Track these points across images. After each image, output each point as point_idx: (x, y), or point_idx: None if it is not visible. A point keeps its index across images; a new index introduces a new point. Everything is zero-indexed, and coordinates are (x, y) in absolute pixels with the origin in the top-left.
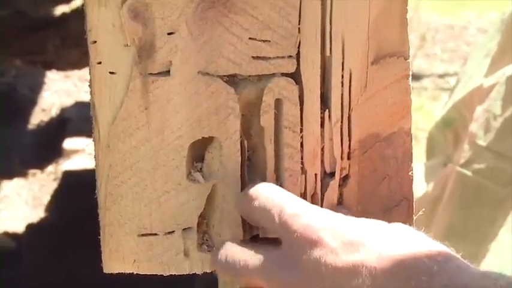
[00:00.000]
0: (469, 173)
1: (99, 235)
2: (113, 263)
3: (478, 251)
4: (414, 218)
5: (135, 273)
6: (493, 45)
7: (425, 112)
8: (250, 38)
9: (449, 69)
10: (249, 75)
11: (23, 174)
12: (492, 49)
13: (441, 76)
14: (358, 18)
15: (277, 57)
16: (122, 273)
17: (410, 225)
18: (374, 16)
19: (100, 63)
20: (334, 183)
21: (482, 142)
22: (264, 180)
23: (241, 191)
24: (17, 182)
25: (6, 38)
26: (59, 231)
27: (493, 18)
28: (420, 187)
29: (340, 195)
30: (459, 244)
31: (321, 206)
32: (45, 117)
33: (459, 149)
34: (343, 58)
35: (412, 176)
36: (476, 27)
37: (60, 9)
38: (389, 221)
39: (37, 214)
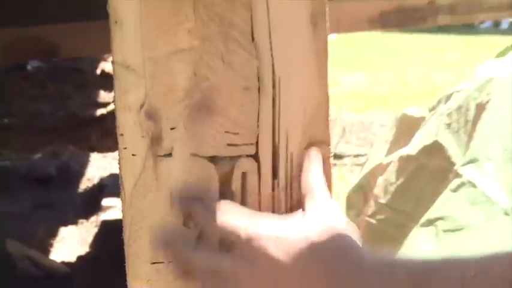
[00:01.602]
0: (374, 221)
1: (125, 263)
2: (134, 282)
3: None
4: None
5: None
6: (390, 135)
7: (345, 180)
8: (225, 132)
9: (361, 151)
10: (225, 156)
11: (74, 222)
12: (389, 138)
13: (356, 156)
14: (297, 119)
15: (243, 144)
16: None
17: None
18: (308, 117)
19: (126, 148)
20: None
21: (382, 201)
22: None
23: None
24: (70, 228)
25: (63, 131)
26: (99, 261)
27: (390, 117)
28: None
29: None
30: None
31: None
32: (90, 184)
33: (367, 205)
34: (287, 145)
35: None
36: (379, 123)
37: (99, 111)
38: None
39: (84, 250)
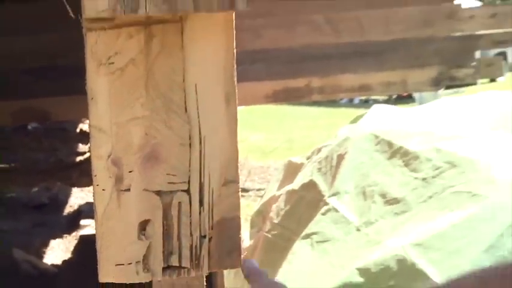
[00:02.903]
0: (269, 236)
1: (97, 265)
2: (103, 277)
3: (274, 274)
4: (242, 256)
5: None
6: (280, 176)
7: (250, 207)
8: (167, 174)
9: (262, 186)
10: (166, 191)
11: (61, 236)
12: (280, 178)
13: (258, 190)
14: (216, 165)
15: (179, 182)
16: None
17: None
18: (223, 164)
19: (98, 185)
20: (206, 241)
21: (276, 221)
22: (172, 240)
23: (163, 244)
24: (58, 240)
25: (53, 172)
26: (79, 264)
27: (281, 163)
28: (246, 242)
29: (209, 248)
30: None
31: (200, 253)
32: (71, 210)
33: (265, 224)
34: (209, 183)
35: (241, 237)
36: (273, 167)
37: (78, 158)
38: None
39: (67, 255)
